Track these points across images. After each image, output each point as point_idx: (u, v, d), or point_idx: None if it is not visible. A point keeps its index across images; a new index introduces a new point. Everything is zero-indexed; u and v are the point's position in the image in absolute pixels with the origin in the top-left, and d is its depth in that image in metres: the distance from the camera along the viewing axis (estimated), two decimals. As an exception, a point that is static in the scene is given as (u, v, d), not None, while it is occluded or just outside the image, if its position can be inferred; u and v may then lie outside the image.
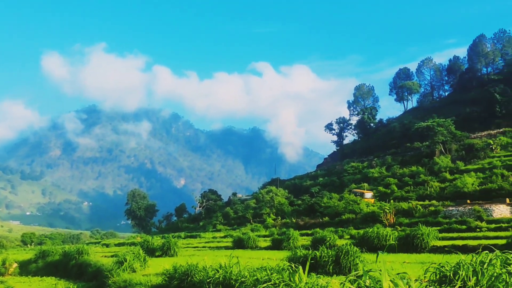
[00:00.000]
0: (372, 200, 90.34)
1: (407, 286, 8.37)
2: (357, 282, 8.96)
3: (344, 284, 9.12)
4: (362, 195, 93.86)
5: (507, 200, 75.37)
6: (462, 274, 9.78)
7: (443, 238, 45.53)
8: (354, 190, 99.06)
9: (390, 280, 8.39)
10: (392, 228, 61.06)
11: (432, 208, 77.66)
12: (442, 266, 10.37)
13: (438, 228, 59.12)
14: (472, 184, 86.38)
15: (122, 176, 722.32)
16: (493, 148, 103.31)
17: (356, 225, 75.65)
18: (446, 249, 36.95)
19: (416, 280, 10.61)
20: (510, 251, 12.28)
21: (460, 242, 39.85)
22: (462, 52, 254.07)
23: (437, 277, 10.30)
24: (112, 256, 47.91)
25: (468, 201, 77.70)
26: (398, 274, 9.09)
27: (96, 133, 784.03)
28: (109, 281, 26.93)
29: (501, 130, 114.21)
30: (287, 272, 12.02)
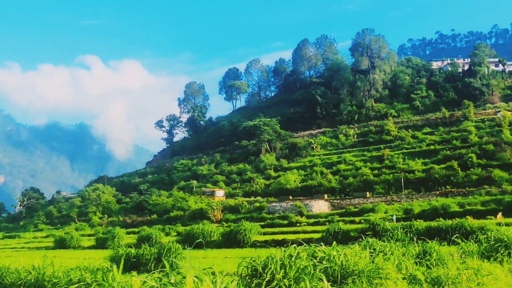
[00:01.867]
0: (224, 198, 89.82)
1: (213, 281, 8.50)
2: (163, 280, 8.90)
3: (145, 281, 9.00)
4: (213, 193, 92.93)
5: (326, 196, 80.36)
6: (271, 268, 10.11)
7: (266, 233, 47.31)
8: (204, 189, 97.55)
9: (196, 276, 8.46)
10: (218, 224, 62.19)
11: (257, 204, 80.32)
12: (254, 260, 10.66)
13: (262, 223, 61.39)
14: (295, 181, 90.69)
15: None
16: (314, 147, 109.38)
17: (184, 222, 75.90)
18: (264, 244, 38.37)
19: (227, 274, 10.84)
20: (322, 244, 13.00)
21: (280, 237, 41.59)
22: (287, 55, 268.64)
23: (249, 270, 10.57)
24: None
25: (291, 197, 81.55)
26: (204, 269, 9.21)
27: None
28: None
29: (321, 130, 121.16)
30: (101, 271, 11.66)
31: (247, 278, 10.47)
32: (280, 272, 10.07)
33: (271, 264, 10.22)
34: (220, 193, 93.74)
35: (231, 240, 39.81)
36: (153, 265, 23.47)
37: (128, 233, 64.87)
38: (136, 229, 72.06)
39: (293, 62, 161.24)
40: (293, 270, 10.20)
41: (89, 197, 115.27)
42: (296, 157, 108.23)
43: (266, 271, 10.11)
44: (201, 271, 8.77)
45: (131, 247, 27.13)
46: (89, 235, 70.59)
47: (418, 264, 12.79)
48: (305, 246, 12.60)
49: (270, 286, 9.94)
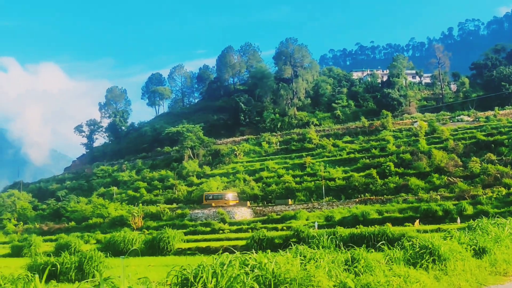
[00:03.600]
0: (237, 202, 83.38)
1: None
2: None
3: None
4: (221, 197, 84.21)
5: (248, 203, 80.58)
6: (203, 276, 9.82)
7: (189, 241, 46.76)
8: (207, 194, 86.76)
9: (129, 287, 8.06)
10: (139, 232, 61.00)
11: (180, 211, 79.64)
12: (184, 269, 10.34)
13: (185, 230, 60.81)
14: (217, 188, 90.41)
15: None
16: (237, 154, 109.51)
17: (104, 229, 74.13)
18: (189, 252, 37.92)
19: (159, 283, 10.47)
20: (248, 252, 12.81)
21: (203, 244, 41.18)
22: (211, 62, 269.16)
23: (179, 280, 10.24)
24: None
25: (213, 204, 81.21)
26: (139, 278, 8.82)
27: None
28: None
29: (245, 137, 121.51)
30: (22, 281, 11.00)
31: (177, 288, 10.14)
32: (212, 281, 9.80)
33: (202, 273, 9.92)
34: (231, 196, 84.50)
35: (154, 248, 39.01)
36: (73, 274, 22.54)
37: (45, 240, 62.42)
38: (53, 237, 69.59)
39: (217, 69, 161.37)
40: (225, 278, 9.95)
41: (3, 204, 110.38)
42: (219, 164, 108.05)
43: (197, 280, 9.80)
44: (137, 280, 8.39)
45: (49, 256, 26.00)
46: (3, 243, 67.56)
47: (347, 271, 12.82)
48: (236, 254, 12.36)
49: (201, 296, 9.65)
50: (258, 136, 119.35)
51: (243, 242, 38.44)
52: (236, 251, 13.37)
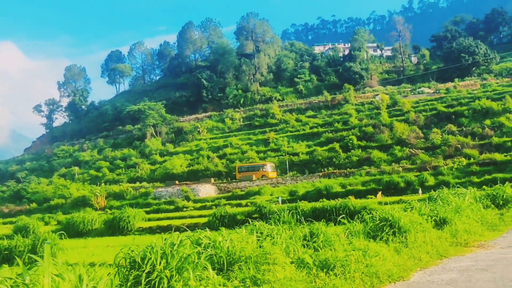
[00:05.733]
0: (276, 174, 78.81)
1: (79, 278, 7.56)
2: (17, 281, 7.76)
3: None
4: (259, 168, 79.05)
5: (212, 180, 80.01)
6: (151, 258, 9.30)
7: (151, 219, 46.12)
8: (241, 165, 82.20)
9: (56, 275, 7.46)
10: (102, 212, 60.14)
11: (143, 190, 78.71)
12: (132, 251, 9.79)
13: (148, 209, 60.09)
14: (181, 166, 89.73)
15: None
16: (200, 131, 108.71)
17: (66, 210, 72.75)
18: (155, 231, 37.34)
19: (104, 265, 9.94)
20: (207, 230, 12.32)
21: (165, 223, 40.61)
22: (172, 38, 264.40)
23: (127, 262, 9.69)
24: None
25: (177, 182, 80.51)
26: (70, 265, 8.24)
27: None
28: None
29: (208, 114, 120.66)
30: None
31: (124, 271, 9.58)
32: (161, 263, 9.27)
33: (151, 254, 9.39)
34: (269, 167, 79.34)
35: (114, 228, 38.32)
36: (27, 257, 21.78)
37: (5, 223, 61.17)
38: (13, 219, 68.00)
39: (178, 46, 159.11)
40: (175, 259, 9.44)
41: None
42: (183, 142, 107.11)
43: (145, 262, 9.27)
44: (66, 267, 7.78)
45: (2, 239, 25.14)
46: (-40, 227, 65.83)
47: (306, 246, 12.46)
48: (189, 232, 11.85)
49: (150, 278, 9.12)
50: (221, 113, 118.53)
51: (205, 220, 38.02)
52: (195, 229, 12.91)
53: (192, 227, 31.47)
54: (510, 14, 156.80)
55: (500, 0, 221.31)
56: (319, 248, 12.42)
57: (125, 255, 9.83)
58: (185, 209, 61.38)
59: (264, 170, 78.23)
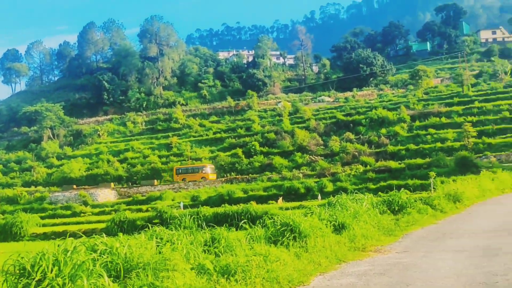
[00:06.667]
0: (215, 176, 76.37)
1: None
2: None
3: None
4: (199, 170, 76.76)
5: (112, 185, 78.12)
6: (42, 265, 8.78)
7: (46, 225, 44.28)
8: (178, 167, 79.74)
9: None
10: (-7, 217, 57.10)
11: (38, 194, 75.71)
12: (22, 257, 9.21)
13: (43, 214, 57.71)
14: (79, 170, 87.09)
15: None
16: (100, 134, 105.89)
17: (-48, 216, 68.48)
18: (49, 237, 35.86)
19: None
20: (104, 235, 11.84)
21: (61, 228, 39.12)
22: (73, 38, 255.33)
23: (17, 269, 9.10)
24: None
25: (75, 186, 78.02)
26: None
27: None
28: None
29: (108, 117, 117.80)
30: None
31: (12, 278, 8.99)
32: (53, 270, 8.77)
33: (42, 261, 8.86)
34: (209, 169, 77.41)
35: (6, 234, 36.45)
36: None
37: None
38: None
39: (79, 46, 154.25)
40: (68, 266, 8.97)
41: None
42: (82, 145, 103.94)
43: (36, 269, 8.73)
44: None
45: None
46: None
47: (207, 252, 12.28)
48: (85, 238, 11.34)
49: (40, 287, 8.60)
50: (122, 116, 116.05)
51: (103, 225, 36.97)
52: (95, 235, 12.39)
53: (90, 233, 30.45)
54: (406, 28, 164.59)
55: (397, 14, 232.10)
56: (220, 254, 12.27)
57: (14, 262, 9.24)
58: (82, 214, 59.52)
59: (204, 172, 76.53)
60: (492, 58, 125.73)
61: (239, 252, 12.09)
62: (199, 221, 22.03)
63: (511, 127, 76.89)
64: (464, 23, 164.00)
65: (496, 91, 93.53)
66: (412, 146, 74.90)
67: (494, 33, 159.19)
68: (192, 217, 21.46)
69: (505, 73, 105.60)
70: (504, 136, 74.50)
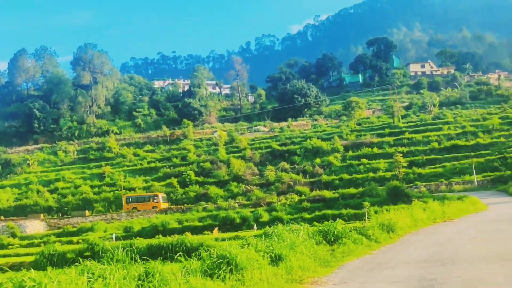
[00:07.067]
0: (167, 205, 74.09)
1: None
2: None
3: None
4: (151, 198, 74.85)
5: (42, 216, 75.48)
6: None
7: (-30, 259, 42.15)
8: (127, 195, 77.51)
9: None
10: None
11: (-38, 227, 72.17)
12: None
13: (-33, 247, 55.01)
14: (7, 200, 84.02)
15: None
16: (30, 163, 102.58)
17: None
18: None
19: None
20: (31, 270, 11.28)
21: (-14, 262, 37.32)
22: (3, 65, 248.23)
23: None
24: None
25: (2, 218, 75.07)
26: None
27: None
28: None
29: (39, 146, 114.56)
30: None
31: None
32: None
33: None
34: (160, 198, 74.61)
35: None
36: None
37: None
38: None
39: (9, 73, 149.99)
40: (-8, 306, 8.45)
41: None
42: (10, 174, 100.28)
43: None
44: None
45: None
46: None
47: (141, 287, 11.86)
48: (11, 273, 10.75)
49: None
50: (53, 145, 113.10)
51: (32, 258, 35.51)
52: (23, 268, 11.79)
53: (18, 266, 29.20)
54: (339, 60, 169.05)
55: (330, 46, 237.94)
56: (154, 289, 11.88)
57: None
58: (10, 246, 56.97)
59: (155, 201, 74.17)
60: (421, 91, 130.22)
61: (174, 287, 11.76)
62: (133, 254, 21.40)
63: (440, 158, 79.58)
64: (395, 57, 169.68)
65: (425, 122, 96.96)
66: (345, 176, 76.29)
67: (423, 66, 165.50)
68: (125, 250, 20.88)
69: (434, 105, 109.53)
70: (433, 166, 77.02)
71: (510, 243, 19.12)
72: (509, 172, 70.39)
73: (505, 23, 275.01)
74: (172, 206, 72.67)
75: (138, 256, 18.33)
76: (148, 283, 12.16)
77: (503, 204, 45.02)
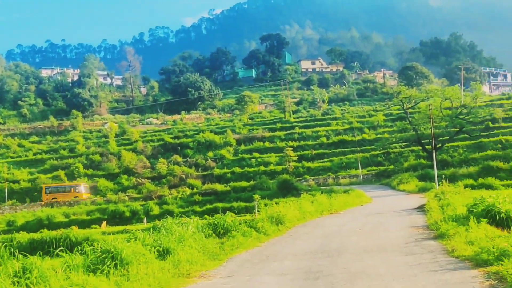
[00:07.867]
0: (89, 195, 70.36)
1: None
2: None
3: None
4: (72, 188, 71.50)
5: None
6: None
7: None
8: (48, 186, 74.02)
9: None
10: None
11: None
12: None
13: None
14: None
15: None
16: None
17: None
18: None
19: None
20: None
21: None
22: None
23: None
24: None
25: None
26: None
27: None
28: None
29: None
30: None
31: None
32: None
33: None
34: (82, 188, 72.51)
35: None
36: None
37: None
38: None
39: None
40: None
41: None
42: None
43: None
44: None
45: None
46: None
47: (17, 284, 11.22)
48: None
49: None
50: None
51: None
52: None
53: None
54: (233, 54, 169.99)
55: (224, 41, 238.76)
56: (31, 285, 11.28)
57: None
58: None
59: (77, 191, 71.58)
60: (312, 87, 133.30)
61: (54, 283, 11.22)
62: (12, 249, 20.35)
63: (328, 152, 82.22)
64: (287, 53, 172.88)
65: (314, 118, 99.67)
66: (237, 169, 77.01)
67: (313, 63, 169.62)
68: (4, 245, 19.77)
69: (323, 101, 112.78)
70: (321, 160, 79.50)
71: (391, 235, 19.95)
72: (392, 166, 74.09)
73: (391, 25, 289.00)
74: (96, 197, 70.37)
75: (17, 252, 17.42)
76: (25, 280, 11.53)
77: (386, 197, 47.25)
